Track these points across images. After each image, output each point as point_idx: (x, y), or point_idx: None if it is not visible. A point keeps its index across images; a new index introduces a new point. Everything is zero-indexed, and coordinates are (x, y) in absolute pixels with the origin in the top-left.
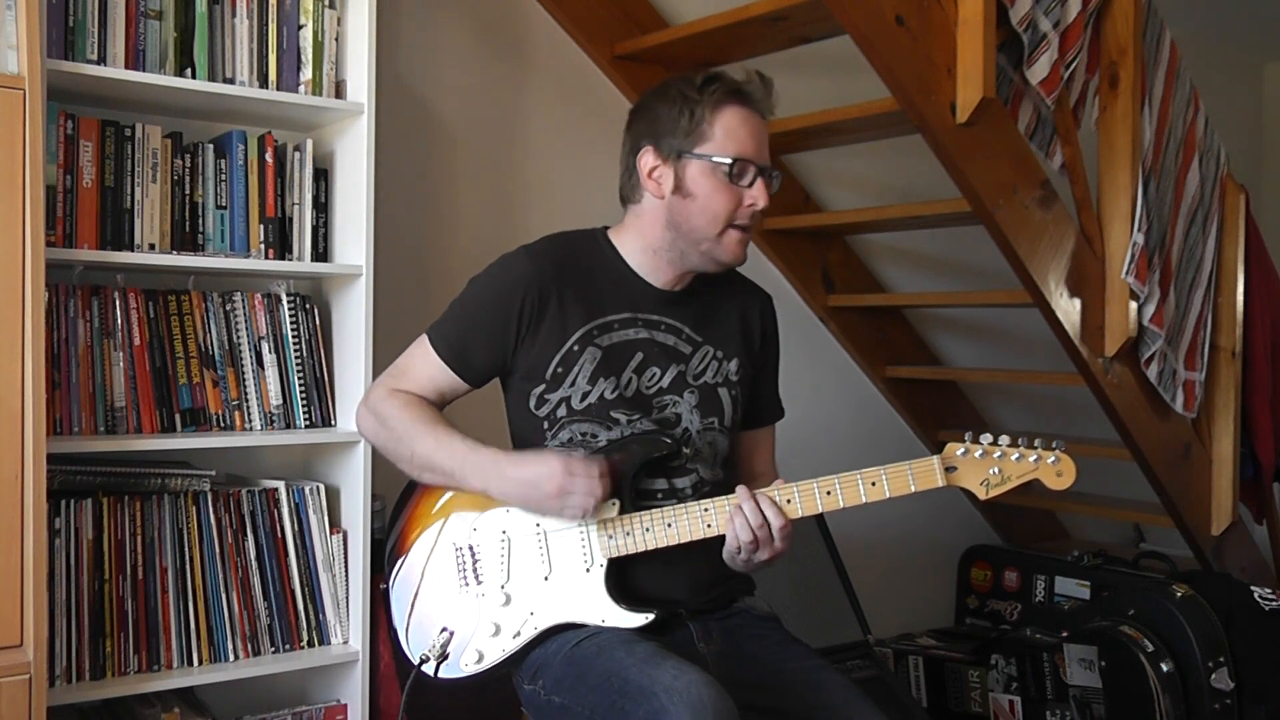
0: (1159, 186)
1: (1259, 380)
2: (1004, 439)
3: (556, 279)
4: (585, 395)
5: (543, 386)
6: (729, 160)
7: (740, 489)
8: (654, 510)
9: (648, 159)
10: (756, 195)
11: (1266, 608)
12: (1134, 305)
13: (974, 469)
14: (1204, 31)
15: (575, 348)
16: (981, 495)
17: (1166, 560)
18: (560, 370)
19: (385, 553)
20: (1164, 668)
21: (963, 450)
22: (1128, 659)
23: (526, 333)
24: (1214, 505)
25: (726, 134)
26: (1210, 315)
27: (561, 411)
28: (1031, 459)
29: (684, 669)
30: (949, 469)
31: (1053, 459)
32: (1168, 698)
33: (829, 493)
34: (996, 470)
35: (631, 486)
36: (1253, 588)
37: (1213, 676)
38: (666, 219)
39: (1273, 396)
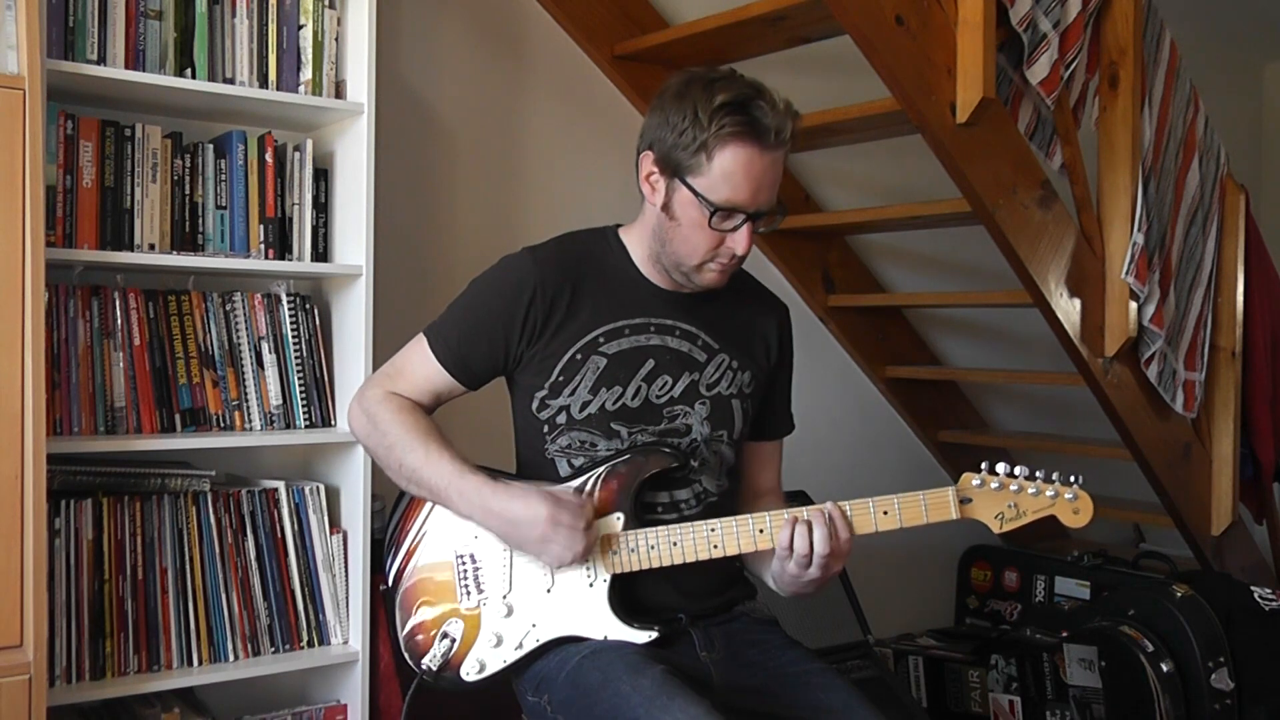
0: (1159, 186)
1: (1259, 380)
2: (1021, 470)
3: (562, 283)
4: (585, 405)
5: (545, 392)
6: (714, 206)
7: (831, 506)
8: (660, 528)
9: (647, 164)
10: (737, 242)
11: (1266, 608)
12: (1134, 305)
13: (989, 502)
14: (1204, 31)
15: (578, 356)
16: (996, 529)
17: (1166, 560)
18: (562, 379)
19: (384, 555)
20: (1164, 668)
21: (978, 481)
22: (1128, 659)
23: (529, 338)
24: (1214, 505)
25: (723, 175)
26: (1210, 315)
27: (561, 419)
28: (1049, 494)
29: (690, 712)
30: (964, 500)
31: (1070, 495)
32: (1168, 698)
33: None
34: (1012, 504)
35: (635, 501)
36: (1253, 588)
37: (1213, 676)
38: (655, 228)
39: (1273, 396)
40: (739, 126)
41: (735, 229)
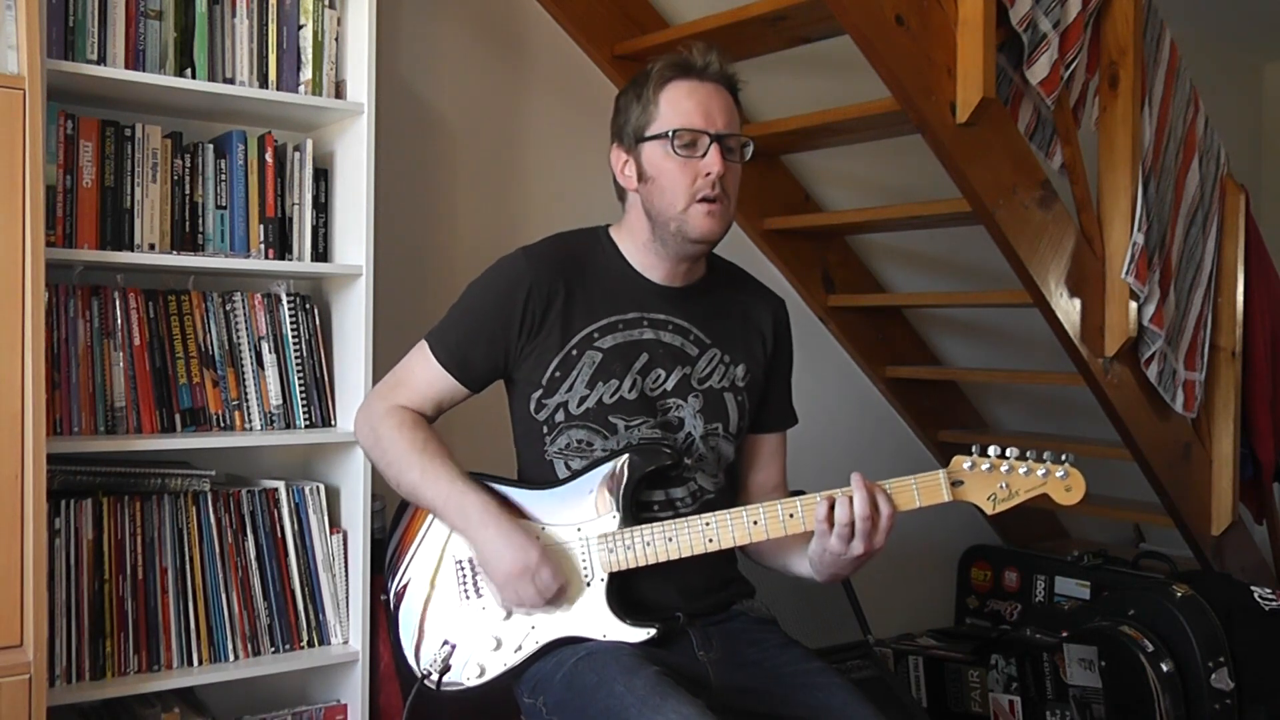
0: (1159, 186)
1: (1259, 380)
2: (1012, 451)
3: (556, 280)
4: (583, 400)
5: (540, 391)
6: (672, 131)
7: (855, 476)
8: (654, 524)
9: (616, 154)
10: (709, 163)
11: (1266, 608)
12: (1134, 305)
13: (981, 483)
14: (1204, 31)
15: (574, 352)
16: (989, 510)
17: (1166, 560)
18: (558, 375)
19: (385, 563)
20: (1164, 668)
21: (969, 464)
22: (1128, 659)
23: (527, 336)
24: (1214, 505)
25: (671, 109)
26: (1210, 315)
27: (560, 417)
28: (1040, 473)
29: (682, 712)
30: (955, 483)
31: (1061, 473)
32: (1168, 698)
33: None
34: (1004, 485)
35: (631, 499)
36: (1253, 588)
37: (1213, 676)
38: (643, 209)
39: (1273, 396)
40: (671, 69)
41: (703, 155)
